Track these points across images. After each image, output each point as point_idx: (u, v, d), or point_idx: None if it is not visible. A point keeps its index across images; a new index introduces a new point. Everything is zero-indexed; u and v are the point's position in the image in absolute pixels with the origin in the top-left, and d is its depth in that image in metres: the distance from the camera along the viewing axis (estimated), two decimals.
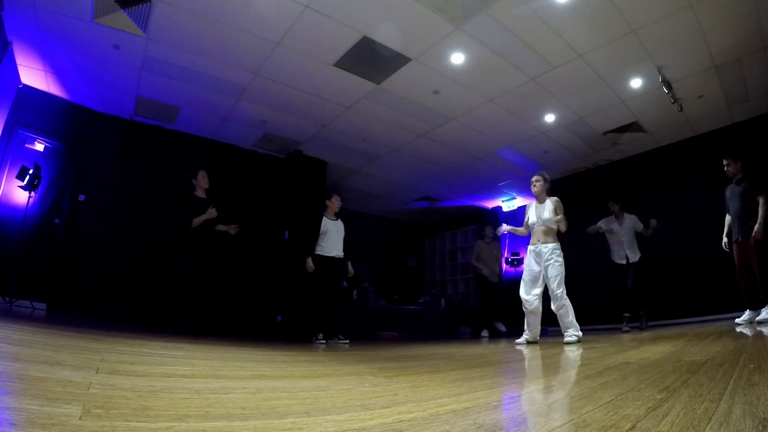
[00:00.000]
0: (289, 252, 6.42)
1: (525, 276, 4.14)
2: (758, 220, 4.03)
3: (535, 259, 4.08)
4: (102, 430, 0.70)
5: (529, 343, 4.05)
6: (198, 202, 4.57)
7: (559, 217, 4.01)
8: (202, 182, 4.64)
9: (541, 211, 4.11)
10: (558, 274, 3.89)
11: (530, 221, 4.19)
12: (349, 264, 5.02)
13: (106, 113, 5.78)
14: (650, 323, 5.54)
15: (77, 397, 0.90)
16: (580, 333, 3.80)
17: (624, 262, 5.62)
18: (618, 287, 5.68)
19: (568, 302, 3.88)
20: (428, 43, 4.32)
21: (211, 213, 4.47)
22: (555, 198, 4.15)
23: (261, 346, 3.38)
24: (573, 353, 2.78)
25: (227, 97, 5.37)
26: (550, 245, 4.01)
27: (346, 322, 6.06)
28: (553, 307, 3.92)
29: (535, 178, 4.26)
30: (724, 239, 4.50)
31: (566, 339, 3.74)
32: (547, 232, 4.06)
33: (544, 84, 4.98)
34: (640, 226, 5.61)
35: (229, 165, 6.72)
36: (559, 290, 3.86)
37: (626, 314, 5.45)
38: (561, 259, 3.96)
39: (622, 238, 5.65)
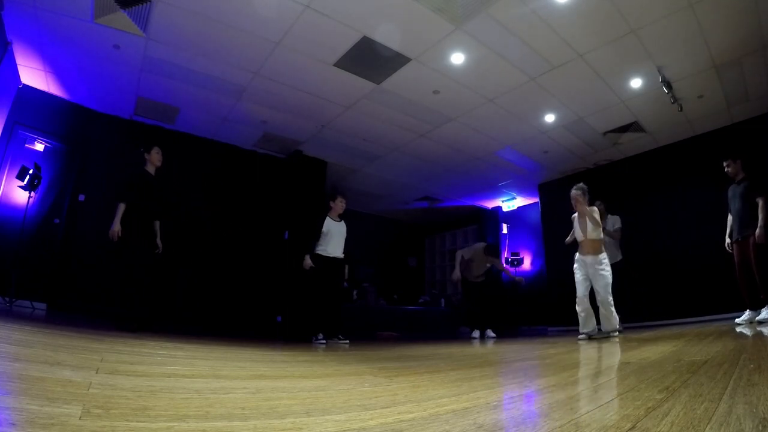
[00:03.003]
0: (289, 252, 6.42)
1: (576, 278, 4.44)
2: (759, 224, 4.01)
3: (581, 267, 4.39)
4: (102, 430, 0.69)
5: (590, 338, 4.24)
6: (145, 176, 4.11)
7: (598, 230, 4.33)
8: (154, 158, 4.19)
9: (584, 225, 4.37)
10: (604, 285, 4.19)
11: (576, 235, 4.50)
12: (346, 268, 5.02)
13: (106, 113, 5.78)
14: (627, 326, 5.39)
15: (77, 397, 0.90)
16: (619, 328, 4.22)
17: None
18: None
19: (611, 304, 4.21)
20: (428, 43, 4.32)
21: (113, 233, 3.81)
22: (592, 208, 4.38)
23: (261, 346, 3.38)
24: (572, 354, 2.78)
25: (227, 97, 5.38)
26: (598, 256, 4.29)
27: (346, 322, 6.06)
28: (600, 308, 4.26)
29: (573, 193, 4.47)
30: (727, 240, 4.48)
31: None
32: (594, 244, 4.33)
33: (544, 84, 4.98)
34: (617, 226, 5.54)
35: (229, 165, 6.72)
36: (604, 296, 4.18)
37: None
38: (608, 269, 4.25)
39: (605, 239, 5.60)
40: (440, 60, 4.58)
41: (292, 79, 4.97)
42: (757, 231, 4.00)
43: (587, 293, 4.33)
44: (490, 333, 5.94)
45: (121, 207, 3.85)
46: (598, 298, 4.22)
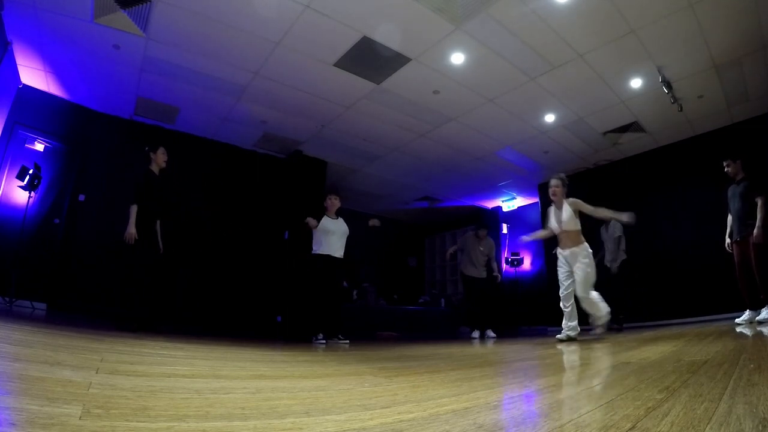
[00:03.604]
0: (289, 252, 6.42)
1: (559, 276, 4.28)
2: (757, 223, 4.01)
3: (564, 263, 4.21)
4: (102, 430, 0.69)
5: (570, 339, 4.05)
6: (150, 177, 4.14)
7: (589, 210, 4.08)
8: (160, 158, 4.21)
9: (560, 216, 4.16)
10: (583, 279, 3.98)
11: (552, 228, 4.27)
12: (372, 220, 5.13)
13: (106, 113, 5.78)
14: (626, 326, 5.67)
15: (77, 397, 0.90)
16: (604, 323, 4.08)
17: (608, 266, 5.84)
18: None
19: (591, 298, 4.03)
20: (428, 43, 4.32)
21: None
22: (572, 199, 4.15)
23: (261, 346, 3.38)
24: (573, 354, 2.78)
25: (227, 97, 5.38)
26: (578, 247, 4.07)
27: (346, 322, 6.05)
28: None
29: (553, 182, 4.21)
30: (727, 240, 4.48)
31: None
32: (571, 236, 4.11)
33: (544, 84, 4.98)
34: (617, 234, 5.85)
35: (229, 165, 6.72)
36: (583, 294, 4.01)
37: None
38: (589, 261, 4.01)
39: (608, 245, 5.88)
40: (440, 60, 4.58)
41: (292, 79, 4.97)
42: (755, 230, 4.00)
43: (572, 289, 4.11)
44: (490, 333, 5.94)
45: (134, 209, 3.85)
46: (578, 294, 4.02)
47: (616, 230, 5.84)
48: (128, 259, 3.93)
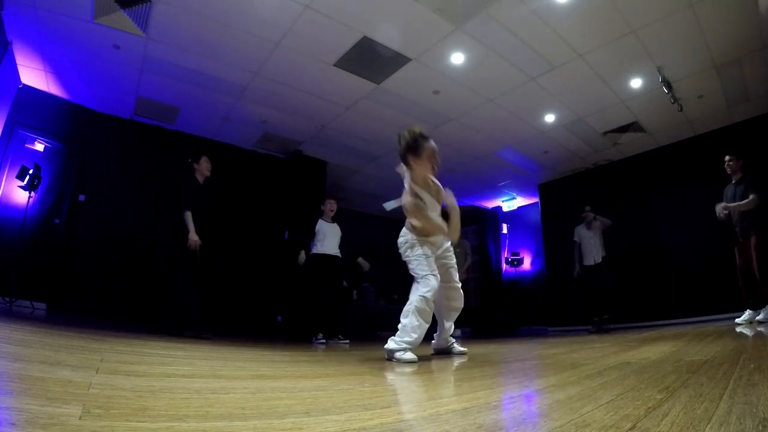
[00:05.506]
0: (289, 252, 6.42)
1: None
2: (738, 202, 4.16)
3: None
4: (102, 430, 0.69)
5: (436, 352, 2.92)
6: (197, 186, 4.20)
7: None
8: (203, 167, 4.25)
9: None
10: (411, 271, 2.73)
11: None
12: (361, 260, 5.28)
13: (106, 113, 5.78)
14: (612, 326, 5.73)
15: (77, 397, 0.90)
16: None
17: (592, 263, 5.93)
18: (588, 289, 6.02)
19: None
20: (428, 43, 4.32)
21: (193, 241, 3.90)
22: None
23: (261, 346, 3.38)
24: (573, 353, 2.77)
25: (227, 97, 5.38)
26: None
27: (346, 322, 6.06)
28: None
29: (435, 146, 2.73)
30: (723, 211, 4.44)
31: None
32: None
33: (544, 84, 4.98)
34: (606, 221, 5.94)
35: (229, 165, 6.71)
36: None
37: (596, 318, 5.78)
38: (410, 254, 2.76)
39: (591, 241, 5.95)
40: (440, 60, 4.58)
41: (292, 79, 4.97)
42: (733, 204, 4.21)
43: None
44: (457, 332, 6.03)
45: (189, 215, 3.94)
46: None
47: (603, 221, 5.91)
48: (174, 264, 3.99)
